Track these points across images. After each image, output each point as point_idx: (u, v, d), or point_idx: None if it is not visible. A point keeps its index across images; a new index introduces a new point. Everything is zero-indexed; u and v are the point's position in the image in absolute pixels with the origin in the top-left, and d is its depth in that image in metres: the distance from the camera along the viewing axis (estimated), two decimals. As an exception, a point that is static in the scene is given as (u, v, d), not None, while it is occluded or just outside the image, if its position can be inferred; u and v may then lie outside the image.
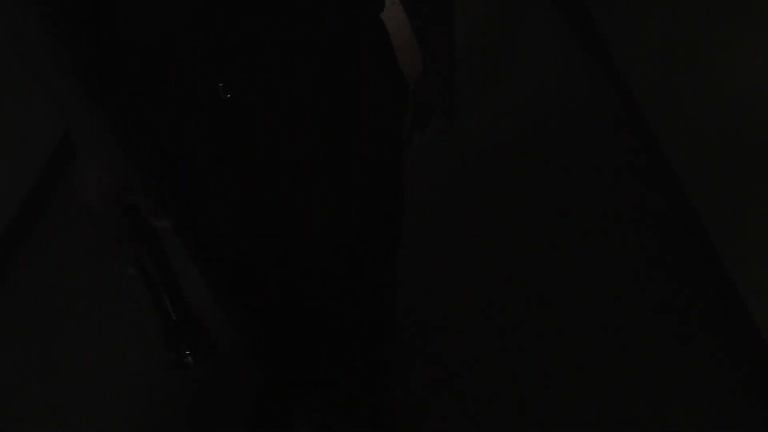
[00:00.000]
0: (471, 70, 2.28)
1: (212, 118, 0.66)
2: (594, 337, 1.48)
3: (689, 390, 1.36)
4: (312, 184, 0.77)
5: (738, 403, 1.34)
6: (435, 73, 1.78)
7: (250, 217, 0.79)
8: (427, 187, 1.84)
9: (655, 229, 1.74)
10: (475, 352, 1.47)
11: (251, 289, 0.91)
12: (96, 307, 1.62)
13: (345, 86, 0.71)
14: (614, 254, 1.67)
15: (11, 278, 1.74)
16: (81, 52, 0.60)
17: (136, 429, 1.37)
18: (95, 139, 0.63)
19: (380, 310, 1.12)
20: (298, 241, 0.84)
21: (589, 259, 1.67)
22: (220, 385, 1.40)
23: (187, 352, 0.71)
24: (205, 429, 1.35)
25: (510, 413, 1.35)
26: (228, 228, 0.80)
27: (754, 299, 1.41)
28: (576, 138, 2.05)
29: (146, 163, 0.69)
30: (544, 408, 1.36)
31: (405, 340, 1.47)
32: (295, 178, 0.76)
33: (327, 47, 0.67)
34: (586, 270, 1.64)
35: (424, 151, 1.93)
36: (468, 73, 2.23)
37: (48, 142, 1.95)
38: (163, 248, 0.72)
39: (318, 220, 0.83)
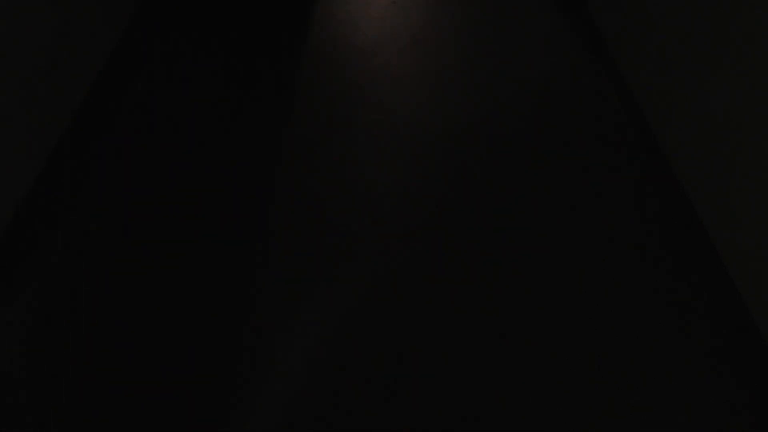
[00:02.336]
0: (471, 67, 2.26)
1: None
2: (591, 336, 1.48)
3: (688, 389, 1.37)
4: None
5: (737, 403, 1.34)
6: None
7: None
8: (426, 183, 1.83)
9: (655, 228, 1.73)
10: (472, 350, 1.47)
11: None
12: None
13: None
14: (613, 253, 1.67)
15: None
16: None
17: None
18: None
19: None
20: None
21: (587, 258, 1.66)
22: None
23: None
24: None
25: (510, 413, 1.36)
26: None
27: (755, 299, 1.41)
28: (575, 135, 2.04)
29: None
30: (544, 406, 1.36)
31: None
32: None
33: None
34: (585, 268, 1.64)
35: (423, 145, 1.91)
36: (468, 72, 2.20)
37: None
38: None
39: None
